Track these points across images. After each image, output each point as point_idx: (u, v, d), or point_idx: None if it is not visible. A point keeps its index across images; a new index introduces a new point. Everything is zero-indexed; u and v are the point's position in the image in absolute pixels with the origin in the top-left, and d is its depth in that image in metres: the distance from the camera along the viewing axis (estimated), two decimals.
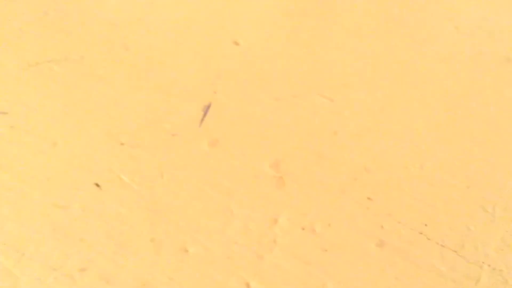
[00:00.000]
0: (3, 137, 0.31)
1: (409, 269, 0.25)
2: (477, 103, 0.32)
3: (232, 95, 0.29)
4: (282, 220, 0.27)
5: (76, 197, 0.29)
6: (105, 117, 0.33)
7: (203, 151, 0.30)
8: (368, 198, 0.28)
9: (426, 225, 0.27)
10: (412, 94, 0.33)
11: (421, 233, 0.27)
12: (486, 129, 0.31)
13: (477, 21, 0.39)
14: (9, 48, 0.35)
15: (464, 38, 0.38)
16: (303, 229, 0.26)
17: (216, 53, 0.37)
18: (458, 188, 0.28)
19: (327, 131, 0.30)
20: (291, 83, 0.34)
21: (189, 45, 0.37)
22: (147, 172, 0.30)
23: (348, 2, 0.38)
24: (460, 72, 0.35)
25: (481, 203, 0.28)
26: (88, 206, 0.29)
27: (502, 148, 0.29)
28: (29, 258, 0.26)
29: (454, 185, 0.29)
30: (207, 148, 0.30)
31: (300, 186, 0.28)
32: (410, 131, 0.31)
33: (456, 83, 0.34)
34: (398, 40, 0.36)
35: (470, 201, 0.28)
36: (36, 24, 0.37)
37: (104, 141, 0.31)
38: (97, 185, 0.29)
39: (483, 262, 0.26)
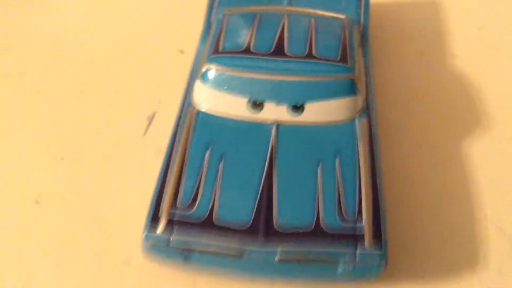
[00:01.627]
0: None
1: None
2: None
3: (177, 104, 0.29)
4: None
5: (14, 216, 0.28)
6: (45, 132, 0.32)
7: (148, 161, 0.30)
8: None
9: None
10: None
11: None
12: None
13: None
14: None
15: None
16: None
17: (160, 62, 0.37)
18: None
19: None
20: None
21: (133, 56, 0.37)
22: (88, 186, 0.29)
23: None
24: None
25: None
26: (27, 224, 0.28)
27: None
28: None
29: None
30: (153, 157, 0.30)
31: None
32: None
33: None
34: None
35: None
36: None
37: (43, 156, 0.31)
38: (37, 202, 0.29)
39: None
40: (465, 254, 0.27)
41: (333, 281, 0.24)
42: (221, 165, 0.25)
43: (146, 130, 0.32)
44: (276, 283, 0.25)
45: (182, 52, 0.38)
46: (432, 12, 0.41)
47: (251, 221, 0.23)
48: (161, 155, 0.26)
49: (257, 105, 0.26)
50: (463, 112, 0.33)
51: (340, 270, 0.23)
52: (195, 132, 0.26)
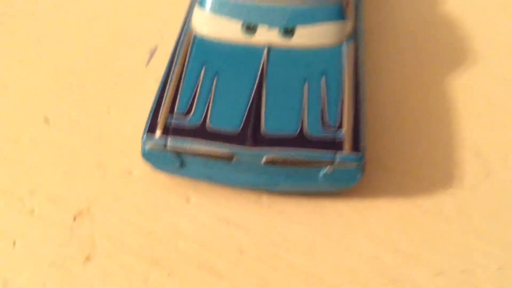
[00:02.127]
0: None
1: None
2: None
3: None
4: None
5: (26, 131, 0.30)
6: (55, 61, 0.34)
7: (149, 88, 0.32)
8: None
9: None
10: None
11: None
12: None
13: None
14: None
15: None
16: None
17: (161, 3, 0.38)
18: None
19: None
20: None
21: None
22: (94, 108, 0.32)
23: None
24: None
25: None
26: (37, 138, 0.30)
27: None
28: None
29: None
30: (154, 85, 0.32)
31: None
32: None
33: None
34: None
35: None
36: None
37: (53, 82, 0.33)
38: (46, 120, 0.31)
39: None
40: (441, 174, 0.29)
41: (315, 186, 0.26)
42: (214, 81, 0.27)
43: (148, 61, 0.34)
44: (264, 192, 0.27)
45: None
46: None
47: (240, 128, 0.25)
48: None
49: (250, 28, 0.28)
50: (449, 48, 0.35)
51: (321, 173, 0.25)
52: (192, 53, 0.28)
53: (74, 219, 0.27)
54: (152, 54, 0.35)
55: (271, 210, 0.27)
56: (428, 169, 0.29)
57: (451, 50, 0.35)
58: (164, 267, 0.25)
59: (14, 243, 0.26)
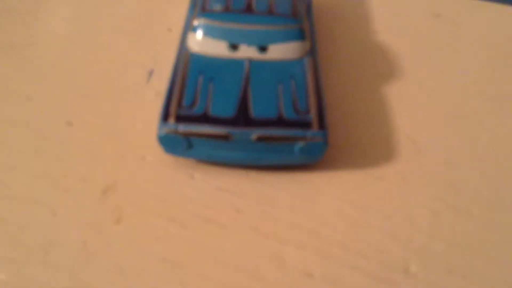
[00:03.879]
0: None
1: None
2: None
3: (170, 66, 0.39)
4: None
5: (53, 132, 0.37)
6: (70, 78, 0.42)
7: (151, 99, 0.40)
8: None
9: None
10: None
11: None
12: None
13: None
14: None
15: None
16: None
17: (152, 39, 0.47)
18: None
19: None
20: None
21: (129, 35, 0.47)
22: (106, 113, 0.39)
23: None
24: None
25: None
26: (63, 137, 0.37)
27: None
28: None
29: None
30: (154, 96, 0.40)
31: None
32: None
33: None
34: None
35: None
36: None
37: (70, 95, 0.40)
38: (69, 123, 0.38)
39: None
40: (384, 151, 0.38)
41: (292, 159, 0.34)
42: (211, 84, 0.35)
43: (148, 79, 0.43)
44: (252, 169, 0.36)
45: (170, 30, 0.48)
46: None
47: (234, 114, 0.33)
48: (160, 96, 0.36)
49: (234, 47, 0.37)
50: (385, 65, 0.45)
51: (297, 147, 0.33)
52: (191, 66, 0.37)
53: (103, 193, 0.34)
54: (150, 73, 0.43)
55: (258, 181, 0.35)
56: (374, 149, 0.38)
57: (385, 65, 0.45)
58: (179, 222, 0.32)
59: (55, 213, 0.32)
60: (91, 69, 0.43)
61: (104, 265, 0.30)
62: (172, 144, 0.34)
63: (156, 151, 0.35)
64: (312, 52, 0.39)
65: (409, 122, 0.40)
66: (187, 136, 0.33)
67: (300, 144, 0.33)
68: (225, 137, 0.33)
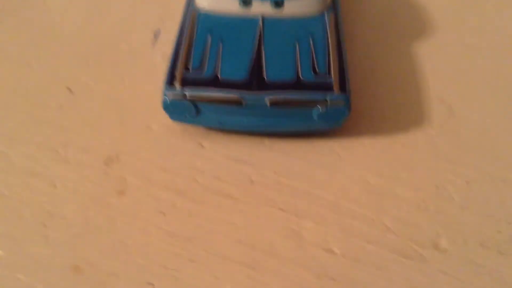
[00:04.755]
0: None
1: None
2: None
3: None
4: None
5: (53, 99, 0.35)
6: (71, 43, 0.39)
7: (157, 63, 0.37)
8: None
9: None
10: None
11: None
12: None
13: None
14: None
15: None
16: None
17: None
18: None
19: None
20: None
21: None
22: (111, 80, 0.36)
23: None
24: None
25: None
26: (64, 104, 0.35)
27: None
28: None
29: None
30: (160, 60, 0.37)
31: None
32: None
33: None
34: None
35: None
36: None
37: (72, 60, 0.37)
38: (70, 89, 0.36)
39: None
40: (414, 116, 0.34)
41: (311, 124, 0.31)
42: (220, 45, 0.32)
43: (154, 42, 0.39)
44: (266, 136, 0.32)
45: None
46: None
47: (247, 77, 0.30)
48: (167, 59, 0.33)
49: (246, 2, 0.34)
50: (414, 21, 0.41)
51: (316, 112, 0.30)
52: (198, 25, 0.33)
53: (105, 164, 0.31)
54: (156, 35, 0.40)
55: (273, 149, 0.32)
56: (403, 113, 0.34)
57: (415, 22, 0.41)
58: (188, 196, 0.30)
59: (55, 185, 0.30)
60: (94, 32, 0.40)
61: (106, 240, 0.27)
62: (178, 110, 0.31)
63: (162, 119, 0.32)
64: (333, 7, 0.35)
65: (442, 84, 0.36)
66: (195, 101, 0.30)
67: (319, 109, 0.30)
68: (236, 102, 0.30)
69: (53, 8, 0.42)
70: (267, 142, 0.32)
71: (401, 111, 0.34)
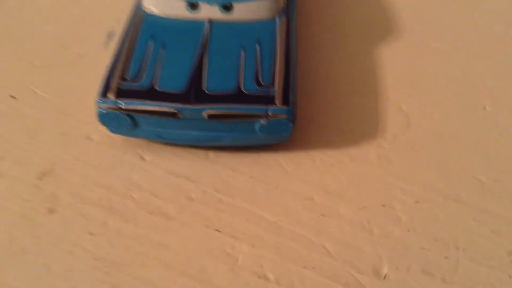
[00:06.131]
0: None
1: None
2: None
3: None
4: None
5: None
6: (17, 45, 0.37)
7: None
8: None
9: None
10: None
11: None
12: None
13: None
14: None
15: None
16: None
17: None
18: None
19: None
20: None
21: None
22: (58, 86, 0.35)
23: None
24: None
25: None
26: (4, 112, 0.33)
27: None
28: None
29: None
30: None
31: None
32: None
33: None
34: None
35: None
36: None
37: (17, 64, 0.36)
38: (13, 97, 0.34)
39: None
40: (367, 127, 0.33)
41: (253, 138, 0.29)
42: (162, 50, 0.30)
43: (107, 43, 0.38)
44: (210, 149, 0.31)
45: None
46: None
47: (184, 89, 0.28)
48: None
49: (193, 5, 0.32)
50: (377, 23, 0.39)
51: (257, 125, 0.29)
52: (142, 28, 0.32)
53: (39, 178, 0.30)
54: (109, 36, 0.38)
55: (216, 163, 0.31)
56: (356, 124, 0.33)
57: (378, 24, 0.39)
58: (120, 214, 0.28)
59: None
60: (45, 33, 0.38)
61: (29, 263, 0.26)
62: (114, 122, 0.29)
63: (104, 129, 0.31)
64: (286, 10, 0.33)
65: (402, 91, 0.34)
66: (131, 113, 0.28)
67: (261, 122, 0.28)
68: (173, 115, 0.28)
69: (4, 6, 0.41)
70: (212, 155, 0.31)
71: (355, 121, 0.33)
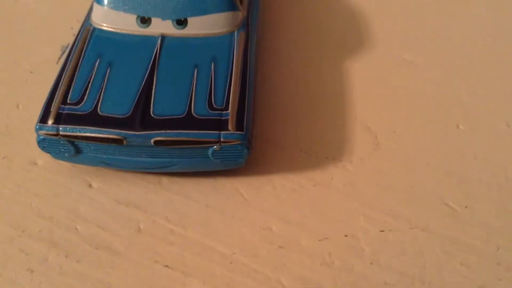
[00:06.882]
0: None
1: None
2: None
3: None
4: None
5: None
6: None
7: None
8: None
9: None
10: None
11: None
12: None
13: None
14: None
15: None
16: None
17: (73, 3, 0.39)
18: None
19: None
20: None
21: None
22: (4, 104, 0.32)
23: None
24: None
25: None
26: None
27: None
28: None
29: None
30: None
31: None
32: None
33: None
34: None
35: None
36: None
37: None
38: None
39: None
40: (333, 149, 0.30)
41: (207, 164, 0.27)
42: (108, 70, 0.28)
43: (59, 58, 0.35)
44: (164, 175, 0.29)
45: None
46: None
47: (130, 113, 0.26)
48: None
49: (145, 20, 0.30)
50: (349, 36, 0.37)
51: (210, 151, 0.26)
52: (89, 45, 0.30)
53: None
54: (63, 51, 0.36)
55: (170, 190, 0.29)
56: (321, 146, 0.31)
57: (349, 37, 0.37)
58: (62, 249, 0.26)
59: None
60: None
61: None
62: (55, 149, 0.27)
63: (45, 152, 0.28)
64: (246, 24, 0.31)
65: (371, 110, 0.32)
66: (71, 139, 0.26)
67: (214, 148, 0.26)
68: (117, 141, 0.26)
69: None
70: (165, 181, 0.29)
71: (320, 143, 0.31)
